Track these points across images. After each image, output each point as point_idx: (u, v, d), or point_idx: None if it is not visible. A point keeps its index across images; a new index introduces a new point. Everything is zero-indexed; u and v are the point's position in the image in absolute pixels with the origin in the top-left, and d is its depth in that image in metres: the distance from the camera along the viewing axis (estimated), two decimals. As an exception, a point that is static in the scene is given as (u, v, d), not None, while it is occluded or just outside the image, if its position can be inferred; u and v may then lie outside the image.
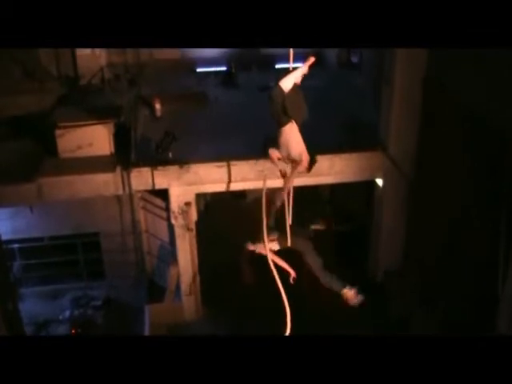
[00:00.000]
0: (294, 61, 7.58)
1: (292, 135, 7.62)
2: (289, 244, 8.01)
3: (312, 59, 7.67)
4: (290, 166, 7.94)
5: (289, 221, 7.97)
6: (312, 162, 7.81)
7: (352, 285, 8.16)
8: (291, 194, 8.07)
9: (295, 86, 7.54)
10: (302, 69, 7.60)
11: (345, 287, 8.14)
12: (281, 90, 7.42)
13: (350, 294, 8.13)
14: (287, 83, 7.46)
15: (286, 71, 7.71)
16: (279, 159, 7.97)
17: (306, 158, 7.74)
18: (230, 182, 12.26)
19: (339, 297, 8.16)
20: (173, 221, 12.72)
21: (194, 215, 12.78)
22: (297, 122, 7.59)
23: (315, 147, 7.89)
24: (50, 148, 12.54)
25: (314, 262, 8.28)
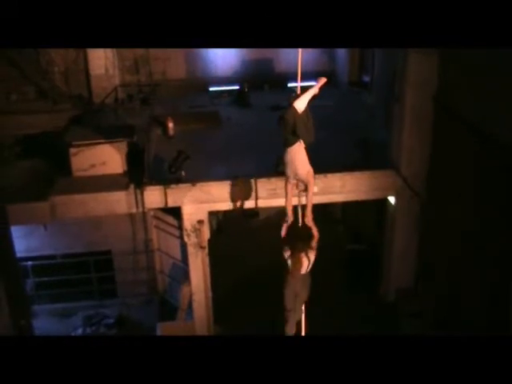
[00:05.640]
0: (305, 80, 7.72)
1: (299, 154, 7.75)
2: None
3: (323, 80, 7.78)
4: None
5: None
6: None
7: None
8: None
9: (306, 107, 7.67)
10: (313, 90, 7.70)
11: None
12: (294, 110, 7.55)
13: None
14: (301, 104, 7.58)
15: (297, 93, 7.84)
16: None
17: (312, 175, 7.88)
18: (242, 200, 12.30)
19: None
20: (185, 239, 12.74)
21: (206, 233, 12.78)
22: (305, 142, 7.73)
23: (327, 165, 7.96)
24: (64, 167, 12.67)
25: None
